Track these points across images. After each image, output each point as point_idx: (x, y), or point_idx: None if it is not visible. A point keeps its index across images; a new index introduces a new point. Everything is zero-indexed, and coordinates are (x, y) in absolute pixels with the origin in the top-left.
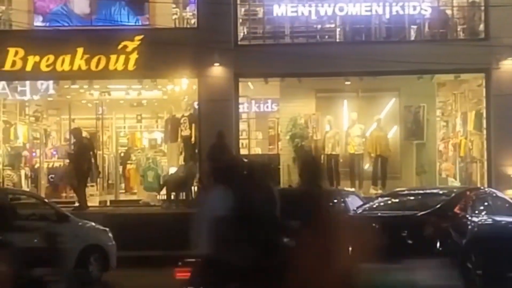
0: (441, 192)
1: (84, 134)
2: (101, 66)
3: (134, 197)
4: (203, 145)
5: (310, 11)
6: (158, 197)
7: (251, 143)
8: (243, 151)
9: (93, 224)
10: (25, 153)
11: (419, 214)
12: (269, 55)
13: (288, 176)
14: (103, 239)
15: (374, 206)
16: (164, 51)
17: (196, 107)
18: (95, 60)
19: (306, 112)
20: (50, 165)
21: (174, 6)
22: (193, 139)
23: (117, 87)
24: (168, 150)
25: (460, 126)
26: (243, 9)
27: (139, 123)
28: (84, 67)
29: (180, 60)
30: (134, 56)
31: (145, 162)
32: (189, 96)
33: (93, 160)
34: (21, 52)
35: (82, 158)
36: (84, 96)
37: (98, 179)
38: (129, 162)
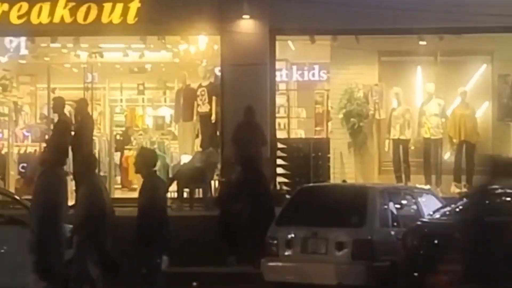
0: None
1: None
2: (90, 18)
3: (134, 195)
4: (227, 125)
5: None
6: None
7: (291, 123)
8: (280, 134)
9: None
10: None
11: None
12: (317, 5)
13: (341, 167)
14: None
15: (458, 209)
16: (177, 2)
17: (218, 74)
18: (82, 9)
19: (366, 83)
20: (22, 151)
21: None
22: (213, 117)
23: (112, 47)
24: (180, 131)
25: None
26: None
27: (141, 95)
28: (68, 19)
29: (197, 11)
30: (135, 5)
31: (149, 147)
32: (209, 59)
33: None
34: None
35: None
36: (67, 59)
37: None
38: (127, 147)
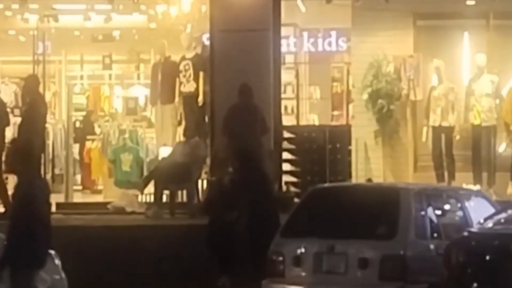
0: None
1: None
2: None
3: (99, 198)
4: (217, 108)
5: None
6: (140, 198)
7: (301, 106)
8: (287, 120)
9: None
10: None
11: None
12: None
13: (366, 161)
14: (44, 269)
15: None
16: None
17: (207, 43)
18: None
19: (398, 53)
20: None
21: None
22: (200, 98)
23: (70, 8)
24: (157, 117)
25: None
26: None
27: (108, 70)
28: None
29: None
30: None
31: (117, 138)
32: (195, 24)
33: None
34: None
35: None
36: (12, 24)
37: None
38: (89, 137)
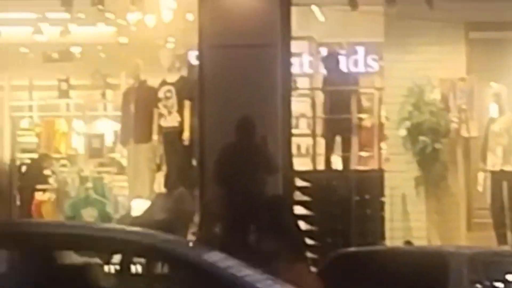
0: None
1: None
2: None
3: None
4: (208, 148)
5: None
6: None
7: (319, 145)
8: (300, 163)
9: None
10: None
11: None
12: None
13: (404, 218)
14: None
15: None
16: None
17: (195, 62)
18: None
19: (446, 76)
20: None
21: None
22: (185, 135)
23: (15, 18)
24: (130, 160)
25: None
26: None
27: (65, 98)
28: None
29: None
30: None
31: (77, 188)
32: (179, 38)
33: None
34: None
35: None
36: None
37: None
38: (40, 187)
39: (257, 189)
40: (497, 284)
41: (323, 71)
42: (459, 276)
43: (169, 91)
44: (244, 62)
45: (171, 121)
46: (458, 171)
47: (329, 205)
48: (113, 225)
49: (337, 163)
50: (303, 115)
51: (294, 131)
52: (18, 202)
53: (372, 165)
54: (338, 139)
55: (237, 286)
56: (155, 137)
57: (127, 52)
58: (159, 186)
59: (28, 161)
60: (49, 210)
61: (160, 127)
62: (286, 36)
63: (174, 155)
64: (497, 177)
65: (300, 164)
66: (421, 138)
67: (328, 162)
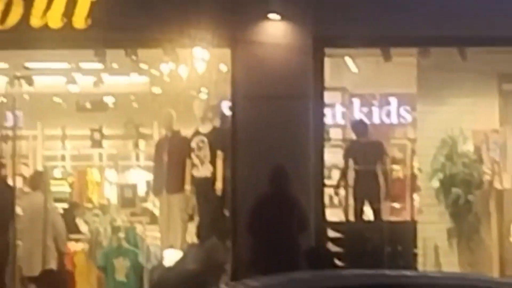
0: None
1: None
2: (12, 20)
3: None
4: (241, 199)
5: None
6: None
7: (351, 196)
8: (332, 214)
9: None
10: None
11: None
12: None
13: (436, 269)
14: None
15: None
16: None
17: (228, 113)
18: None
19: (479, 127)
20: None
21: None
22: (218, 185)
23: (48, 67)
24: (162, 210)
25: None
26: None
27: (98, 148)
28: None
29: (192, 7)
30: None
31: (110, 238)
32: (212, 89)
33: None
34: None
35: None
36: None
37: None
38: (72, 237)
39: (290, 241)
40: None
41: (355, 121)
42: None
43: (202, 141)
44: (277, 113)
45: (203, 171)
46: (491, 223)
47: (361, 256)
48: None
49: (369, 214)
50: (335, 166)
51: (326, 181)
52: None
53: (405, 216)
54: (370, 189)
55: None
56: (187, 187)
57: (160, 102)
58: (192, 236)
59: (61, 211)
60: (81, 260)
61: (192, 177)
62: (319, 87)
63: (207, 205)
64: None
65: (332, 215)
66: (454, 189)
67: (360, 213)
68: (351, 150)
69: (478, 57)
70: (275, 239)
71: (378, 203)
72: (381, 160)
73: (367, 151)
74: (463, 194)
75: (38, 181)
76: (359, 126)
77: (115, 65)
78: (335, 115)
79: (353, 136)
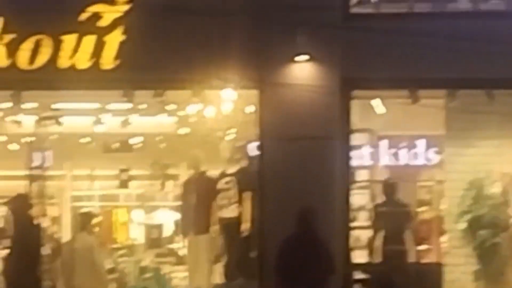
0: None
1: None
2: (40, 60)
3: None
4: (268, 240)
5: None
6: None
7: (378, 237)
8: (358, 256)
9: None
10: None
11: None
12: (422, 42)
13: None
14: None
15: None
16: (182, 29)
17: (255, 154)
18: (27, 45)
19: (506, 170)
20: None
21: None
22: (245, 226)
23: (76, 108)
24: (190, 251)
25: None
26: None
27: (125, 188)
28: (3, 61)
29: (219, 49)
30: (115, 38)
31: (136, 278)
32: (239, 130)
33: None
34: None
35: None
36: (1, 127)
37: None
38: None
39: (317, 282)
40: None
41: (383, 163)
42: None
43: (228, 182)
44: (304, 154)
45: (230, 212)
46: None
47: None
48: None
49: (396, 255)
50: (362, 208)
51: (353, 223)
52: None
53: (431, 258)
54: (397, 231)
55: None
56: (214, 228)
57: (187, 143)
58: (218, 277)
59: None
60: None
61: (219, 218)
62: (346, 129)
63: (234, 246)
64: None
65: (358, 256)
66: (481, 232)
67: (387, 254)
68: (380, 216)
69: (506, 98)
70: (302, 280)
71: (405, 245)
72: (409, 225)
73: (395, 217)
74: (489, 236)
75: (85, 222)
76: (388, 187)
77: (143, 106)
78: (362, 157)
79: (381, 178)
